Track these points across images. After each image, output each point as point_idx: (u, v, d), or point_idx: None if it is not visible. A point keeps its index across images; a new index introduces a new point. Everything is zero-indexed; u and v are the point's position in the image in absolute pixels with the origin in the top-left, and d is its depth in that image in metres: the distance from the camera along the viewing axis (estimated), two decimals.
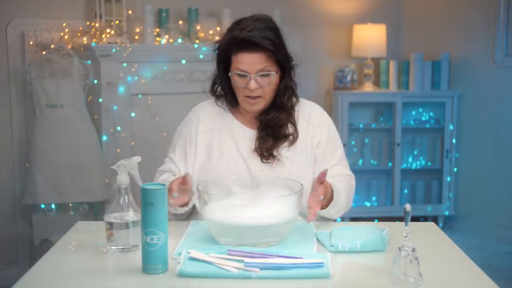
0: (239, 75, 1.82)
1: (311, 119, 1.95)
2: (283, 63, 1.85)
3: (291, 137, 1.89)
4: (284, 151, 1.89)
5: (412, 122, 4.28)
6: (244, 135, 1.92)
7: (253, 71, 1.80)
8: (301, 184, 1.63)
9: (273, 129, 1.89)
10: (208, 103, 2.01)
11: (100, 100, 3.36)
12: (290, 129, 1.91)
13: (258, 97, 1.84)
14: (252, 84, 1.80)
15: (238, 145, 1.90)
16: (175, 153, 1.97)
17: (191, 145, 1.94)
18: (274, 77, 1.83)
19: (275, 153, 1.88)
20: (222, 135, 1.92)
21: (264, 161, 1.87)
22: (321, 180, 1.67)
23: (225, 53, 1.84)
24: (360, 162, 4.28)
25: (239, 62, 1.80)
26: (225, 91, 1.93)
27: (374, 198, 4.26)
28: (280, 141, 1.88)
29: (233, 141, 1.91)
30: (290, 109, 1.92)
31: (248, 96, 1.84)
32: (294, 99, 1.94)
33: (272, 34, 1.81)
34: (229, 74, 1.84)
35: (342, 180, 1.88)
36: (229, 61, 1.84)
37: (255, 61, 1.79)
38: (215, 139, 1.92)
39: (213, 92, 1.98)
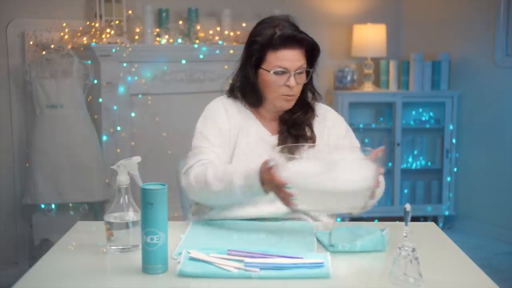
0: (278, 72, 1.79)
1: (326, 121, 1.95)
2: (314, 59, 1.86)
3: (310, 141, 1.88)
4: (304, 154, 1.84)
5: (412, 122, 4.28)
6: (266, 139, 1.88)
7: (293, 68, 1.79)
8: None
9: (297, 129, 1.88)
10: (225, 101, 1.93)
11: (100, 100, 3.36)
12: (309, 132, 1.90)
13: (294, 94, 1.83)
14: (293, 82, 1.80)
15: (260, 148, 1.86)
16: (211, 142, 1.84)
17: (227, 140, 1.86)
18: (306, 74, 1.84)
19: (296, 156, 1.84)
20: (249, 136, 1.87)
21: None
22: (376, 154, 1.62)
23: (260, 52, 1.80)
24: None
25: (280, 59, 1.78)
26: (247, 91, 1.87)
27: None
28: (301, 142, 1.86)
29: (258, 143, 1.87)
30: (314, 109, 1.92)
31: (285, 95, 1.82)
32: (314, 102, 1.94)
33: (300, 30, 1.84)
34: (270, 72, 1.79)
35: None
36: (262, 60, 1.81)
37: (296, 58, 1.80)
38: (241, 138, 1.87)
39: (232, 93, 1.92)
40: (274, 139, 1.89)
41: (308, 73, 1.86)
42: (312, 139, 1.90)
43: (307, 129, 1.90)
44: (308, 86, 1.90)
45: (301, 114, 1.89)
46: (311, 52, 1.85)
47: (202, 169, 1.74)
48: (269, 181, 1.57)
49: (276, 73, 1.79)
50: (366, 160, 1.50)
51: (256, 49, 1.81)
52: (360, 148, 1.87)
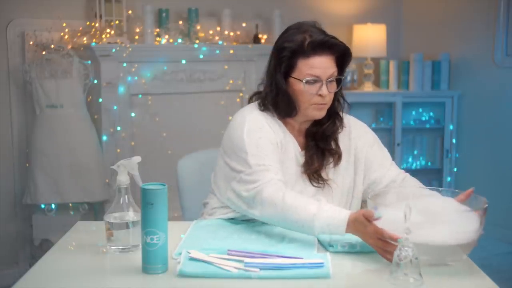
0: (310, 81, 1.71)
1: (351, 134, 1.89)
2: (345, 64, 1.78)
3: (336, 155, 1.82)
4: (331, 173, 1.82)
5: (412, 122, 4.28)
6: (298, 156, 1.80)
7: (325, 76, 1.71)
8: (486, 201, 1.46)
9: (325, 142, 1.80)
10: (260, 111, 1.80)
11: (100, 100, 3.36)
12: (334, 146, 1.83)
13: (326, 103, 1.75)
14: (325, 90, 1.71)
15: (293, 166, 1.79)
16: (272, 159, 1.70)
17: (278, 153, 1.74)
18: (339, 83, 1.77)
19: (324, 176, 1.79)
20: (286, 152, 1.78)
21: (315, 184, 1.79)
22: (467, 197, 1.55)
23: (290, 60, 1.71)
24: None
25: (310, 67, 1.70)
26: (279, 101, 1.76)
27: None
28: (327, 157, 1.81)
29: (291, 163, 1.79)
30: (341, 119, 1.85)
31: (318, 103, 1.74)
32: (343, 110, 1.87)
33: (330, 35, 1.75)
34: (303, 81, 1.70)
35: (415, 180, 1.83)
36: (292, 69, 1.72)
37: (328, 65, 1.71)
38: (282, 155, 1.77)
39: (264, 103, 1.79)
40: (302, 155, 1.81)
41: (338, 81, 1.78)
42: (338, 153, 1.82)
43: (333, 143, 1.83)
44: (336, 94, 1.81)
45: (329, 125, 1.81)
46: (342, 58, 1.77)
47: (278, 190, 1.60)
48: (363, 232, 1.46)
49: (308, 82, 1.71)
50: (468, 211, 1.44)
51: (286, 57, 1.72)
52: (447, 190, 1.71)
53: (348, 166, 1.86)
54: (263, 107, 1.80)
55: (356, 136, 1.89)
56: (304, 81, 1.71)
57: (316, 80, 1.72)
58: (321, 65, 1.71)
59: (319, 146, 1.80)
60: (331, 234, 1.54)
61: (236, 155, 1.71)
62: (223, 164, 1.77)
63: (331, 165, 1.82)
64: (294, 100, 1.75)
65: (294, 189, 1.75)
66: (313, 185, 1.79)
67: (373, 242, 1.44)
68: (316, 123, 1.81)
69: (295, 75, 1.73)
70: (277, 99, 1.76)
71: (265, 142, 1.71)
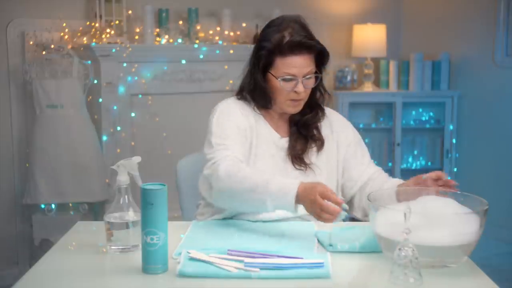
0: (286, 79, 1.78)
1: (333, 127, 1.95)
2: (323, 62, 1.84)
3: (318, 142, 1.89)
4: (314, 157, 1.88)
5: (412, 122, 4.28)
6: (276, 142, 1.88)
7: (301, 75, 1.78)
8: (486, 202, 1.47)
9: (307, 130, 1.88)
10: (236, 102, 1.90)
11: (100, 100, 3.36)
12: (317, 133, 1.90)
13: (302, 99, 1.83)
14: (301, 88, 1.79)
15: (272, 151, 1.86)
16: (233, 140, 1.78)
17: (243, 137, 1.82)
18: (316, 78, 1.82)
19: (306, 159, 1.86)
20: (259, 138, 1.86)
21: (297, 167, 1.85)
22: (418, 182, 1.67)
23: (269, 58, 1.79)
24: None
25: (287, 66, 1.77)
26: (256, 94, 1.85)
27: None
28: (310, 142, 1.88)
29: (268, 146, 1.86)
30: (323, 109, 1.92)
31: (292, 100, 1.81)
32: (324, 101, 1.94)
33: (310, 32, 1.82)
34: (278, 79, 1.78)
35: (387, 176, 1.93)
36: (270, 66, 1.80)
37: (304, 64, 1.78)
38: (254, 140, 1.85)
39: (241, 95, 1.90)
40: (284, 141, 1.88)
41: (317, 76, 1.84)
42: (320, 140, 1.90)
43: (315, 131, 1.90)
44: (317, 87, 1.88)
45: (311, 115, 1.89)
46: (320, 56, 1.83)
47: (233, 164, 1.68)
48: (311, 197, 1.53)
49: (284, 79, 1.78)
50: (467, 213, 1.45)
51: (264, 54, 1.79)
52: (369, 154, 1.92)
53: (331, 153, 1.92)
54: (240, 96, 1.90)
55: (339, 130, 1.96)
56: (279, 79, 1.78)
57: (292, 78, 1.78)
58: (297, 64, 1.77)
59: (301, 133, 1.88)
60: (281, 205, 1.59)
61: (206, 140, 1.82)
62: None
63: (314, 150, 1.89)
64: (271, 94, 1.83)
65: (277, 172, 1.81)
66: (295, 168, 1.85)
67: (314, 204, 1.51)
68: (298, 112, 1.88)
69: (273, 72, 1.80)
70: (254, 92, 1.86)
71: (230, 126, 1.80)
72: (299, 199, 1.57)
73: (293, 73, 1.77)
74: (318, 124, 1.91)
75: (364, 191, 1.89)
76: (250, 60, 1.87)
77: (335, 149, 1.93)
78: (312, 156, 1.88)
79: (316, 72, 1.82)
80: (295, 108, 1.84)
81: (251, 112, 1.88)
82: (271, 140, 1.87)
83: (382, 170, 1.96)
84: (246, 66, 1.89)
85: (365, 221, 1.86)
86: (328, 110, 1.98)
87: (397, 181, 1.86)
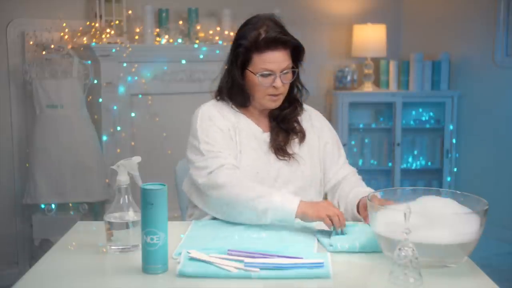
0: (264, 75, 1.82)
1: (313, 121, 2.00)
2: (299, 57, 1.88)
3: (299, 134, 1.93)
4: (296, 149, 1.92)
5: (412, 122, 4.28)
6: (258, 136, 1.91)
7: (279, 70, 1.82)
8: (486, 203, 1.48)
9: (287, 123, 1.92)
10: (215, 104, 1.94)
11: (100, 100, 3.36)
12: (297, 126, 1.95)
13: (280, 94, 1.87)
14: (279, 83, 1.83)
15: (255, 145, 1.90)
16: (221, 145, 1.83)
17: (228, 138, 1.87)
18: (293, 73, 1.87)
19: (289, 150, 1.90)
20: (241, 134, 1.90)
21: (280, 158, 1.89)
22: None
23: (246, 55, 1.83)
24: (360, 162, 4.28)
25: (265, 62, 1.81)
26: (234, 92, 1.89)
27: None
28: (291, 135, 1.92)
29: (251, 141, 1.90)
30: (301, 105, 1.97)
31: (271, 95, 1.85)
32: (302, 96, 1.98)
33: (284, 30, 1.86)
34: (256, 75, 1.82)
35: (359, 180, 1.97)
36: (248, 63, 1.84)
37: (281, 59, 1.82)
38: (236, 137, 1.89)
39: (220, 94, 1.94)
40: (266, 136, 1.92)
41: (294, 71, 1.90)
42: (302, 132, 1.94)
43: (295, 124, 1.94)
44: (295, 83, 1.93)
45: (289, 110, 1.93)
46: (296, 51, 1.87)
47: (233, 174, 1.75)
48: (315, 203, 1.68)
49: (262, 75, 1.82)
50: (467, 213, 1.45)
51: (242, 52, 1.83)
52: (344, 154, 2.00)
53: (313, 145, 1.96)
54: (219, 97, 1.94)
55: (319, 125, 2.01)
56: (258, 75, 1.82)
57: (270, 74, 1.82)
58: (274, 59, 1.81)
59: (282, 127, 1.92)
60: (282, 215, 1.67)
61: (191, 145, 1.87)
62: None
63: (296, 141, 1.94)
64: (250, 91, 1.87)
65: (261, 164, 1.87)
66: (279, 159, 1.89)
67: (327, 208, 1.63)
68: (278, 107, 1.91)
69: (251, 69, 1.84)
70: (232, 90, 1.89)
71: (215, 130, 1.85)
72: (302, 209, 1.66)
73: (270, 68, 1.81)
74: (298, 117, 1.96)
75: (336, 191, 1.94)
76: (227, 59, 1.90)
77: (317, 142, 1.97)
78: (294, 147, 1.93)
79: (293, 67, 1.87)
80: (275, 103, 1.88)
81: (230, 111, 1.92)
82: (253, 134, 1.91)
83: (355, 171, 2.01)
84: (224, 65, 1.93)
85: None
86: (306, 106, 2.02)
87: (360, 192, 1.85)
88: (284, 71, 1.84)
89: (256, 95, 1.87)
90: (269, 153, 1.90)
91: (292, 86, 1.92)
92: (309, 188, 1.92)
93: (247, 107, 1.92)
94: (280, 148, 1.90)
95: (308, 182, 1.91)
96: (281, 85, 1.83)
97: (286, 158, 1.89)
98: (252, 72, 1.83)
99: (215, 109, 1.91)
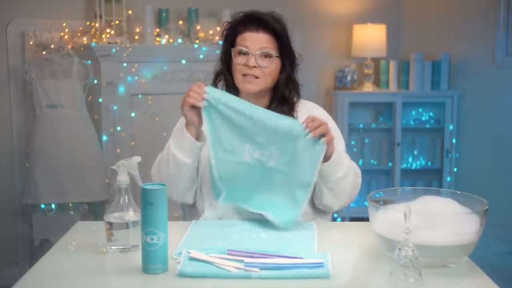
0: (241, 52, 1.86)
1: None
2: (285, 52, 1.89)
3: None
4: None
5: (412, 122, 4.28)
6: None
7: (254, 49, 1.85)
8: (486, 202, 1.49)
9: None
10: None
11: (100, 100, 3.37)
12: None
13: (256, 78, 1.87)
14: (252, 61, 1.85)
15: None
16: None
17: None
18: (274, 60, 1.87)
19: None
20: None
21: None
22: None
23: (232, 36, 1.90)
24: (360, 162, 4.28)
25: (243, 40, 1.86)
26: (226, 77, 1.94)
27: None
28: None
29: None
30: (293, 103, 1.94)
31: (245, 75, 1.87)
32: (295, 97, 1.96)
33: (279, 22, 1.89)
34: (233, 51, 1.87)
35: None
36: (234, 44, 1.89)
37: (259, 40, 1.86)
38: None
39: (215, 86, 1.98)
40: None
41: (284, 64, 1.90)
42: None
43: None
44: (282, 76, 1.92)
45: (275, 106, 1.91)
46: (279, 39, 1.89)
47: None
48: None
49: (239, 52, 1.87)
50: (467, 213, 1.45)
51: (230, 33, 1.92)
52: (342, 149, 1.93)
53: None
54: (214, 84, 1.99)
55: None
56: (233, 51, 1.88)
57: (245, 52, 1.86)
58: (251, 38, 1.86)
59: None
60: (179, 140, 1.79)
61: None
62: None
63: None
64: (233, 75, 1.91)
65: None
66: None
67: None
68: (267, 104, 1.92)
69: (233, 49, 1.90)
70: (224, 77, 1.95)
71: (180, 123, 1.93)
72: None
73: (246, 45, 1.86)
74: (293, 115, 1.93)
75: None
76: (222, 45, 1.97)
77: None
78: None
79: (277, 56, 1.87)
80: (249, 85, 1.88)
81: None
82: None
83: (354, 164, 1.92)
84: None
85: (320, 207, 1.88)
86: (307, 103, 2.01)
87: None
88: (261, 52, 1.85)
89: (236, 77, 1.90)
90: None
91: (281, 84, 1.91)
92: None
93: (239, 95, 1.92)
94: None
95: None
96: (254, 64, 1.85)
97: None
98: (233, 52, 1.88)
99: None
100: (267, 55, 1.86)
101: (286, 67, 1.91)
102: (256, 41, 1.85)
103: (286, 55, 1.91)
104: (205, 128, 1.75)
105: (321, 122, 1.70)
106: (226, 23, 1.95)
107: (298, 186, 1.73)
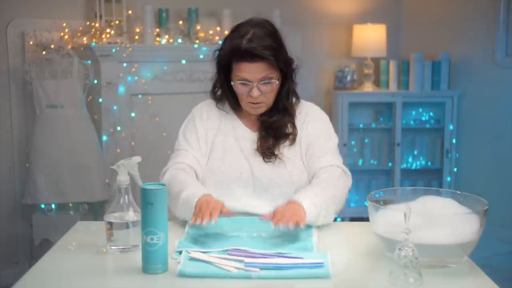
0: (242, 83, 1.82)
1: (307, 117, 1.97)
2: (284, 68, 1.85)
3: (291, 136, 1.91)
4: (285, 150, 1.91)
5: (412, 122, 4.28)
6: (246, 137, 1.92)
7: (256, 80, 1.80)
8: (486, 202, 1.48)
9: (275, 130, 1.90)
10: (210, 103, 2.00)
11: (100, 100, 3.36)
12: (290, 128, 1.92)
13: (261, 102, 1.85)
14: (255, 92, 1.81)
15: (241, 146, 1.91)
16: (190, 145, 1.93)
17: (203, 142, 1.93)
18: (276, 83, 1.84)
19: (276, 152, 1.89)
20: (226, 135, 1.93)
21: (266, 160, 1.88)
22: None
23: (226, 62, 1.84)
24: (360, 162, 4.28)
25: (241, 71, 1.80)
26: (226, 95, 1.93)
27: None
28: (281, 140, 1.90)
29: (236, 142, 1.92)
30: (292, 112, 1.93)
31: (251, 102, 1.85)
32: (294, 99, 1.96)
33: (271, 40, 1.80)
34: (232, 83, 1.84)
35: (324, 173, 1.85)
36: (230, 68, 1.84)
37: (257, 70, 1.79)
38: (219, 138, 1.93)
39: (214, 95, 1.97)
40: (255, 136, 1.92)
41: (285, 80, 1.87)
42: (293, 134, 1.91)
43: (289, 125, 1.91)
44: (285, 91, 1.89)
45: (277, 118, 1.90)
46: (279, 62, 1.82)
47: (175, 173, 1.84)
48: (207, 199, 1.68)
49: (240, 83, 1.82)
50: (467, 213, 1.45)
51: (223, 59, 1.85)
52: (331, 148, 1.92)
53: (302, 145, 1.93)
54: (213, 96, 1.98)
55: (310, 119, 1.96)
56: (233, 83, 1.83)
57: (246, 83, 1.81)
58: (250, 70, 1.79)
59: (269, 133, 1.91)
60: (185, 210, 1.72)
61: None
62: None
63: (286, 143, 1.92)
64: (238, 97, 1.89)
65: (245, 164, 1.88)
66: (265, 161, 1.88)
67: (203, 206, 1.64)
68: (266, 114, 1.90)
69: (232, 76, 1.84)
70: (222, 93, 1.94)
71: (191, 130, 1.94)
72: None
73: (245, 77, 1.80)
74: (289, 123, 1.92)
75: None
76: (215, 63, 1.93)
77: (304, 139, 1.93)
78: (283, 148, 1.91)
79: (279, 77, 1.83)
80: (256, 110, 1.88)
81: (219, 112, 1.95)
82: (238, 136, 1.92)
83: (334, 167, 1.87)
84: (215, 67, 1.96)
85: None
86: (306, 104, 1.99)
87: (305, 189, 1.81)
88: (263, 81, 1.80)
89: (239, 99, 1.88)
90: (256, 154, 1.89)
91: (280, 93, 1.89)
92: (298, 189, 1.85)
93: (239, 108, 1.93)
94: (266, 150, 1.88)
95: (296, 183, 1.87)
96: (258, 94, 1.81)
97: (272, 160, 1.88)
98: (232, 79, 1.84)
99: (205, 108, 1.98)
100: (269, 82, 1.82)
101: (287, 79, 1.88)
102: (254, 72, 1.79)
103: (286, 68, 1.86)
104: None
105: (283, 215, 1.62)
106: (216, 51, 1.88)
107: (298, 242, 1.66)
